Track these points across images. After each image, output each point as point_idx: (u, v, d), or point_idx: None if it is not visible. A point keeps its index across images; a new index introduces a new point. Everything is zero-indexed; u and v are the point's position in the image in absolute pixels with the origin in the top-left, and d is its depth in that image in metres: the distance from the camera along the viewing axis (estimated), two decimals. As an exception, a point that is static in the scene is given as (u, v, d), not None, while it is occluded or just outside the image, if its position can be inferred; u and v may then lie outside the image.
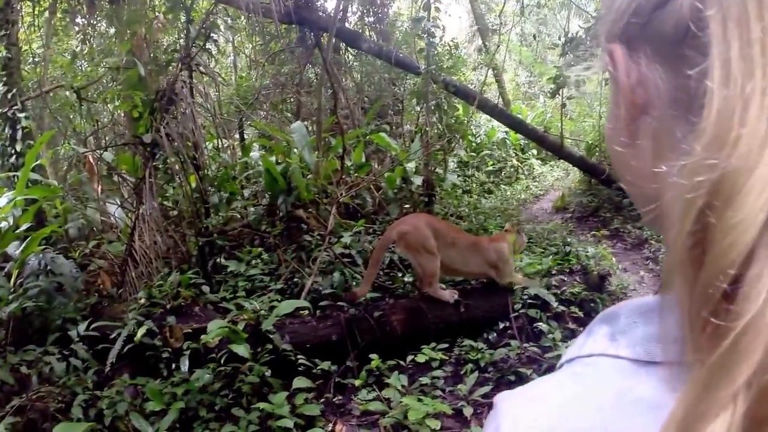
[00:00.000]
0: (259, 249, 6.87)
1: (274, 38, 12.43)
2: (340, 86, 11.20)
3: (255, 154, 9.40)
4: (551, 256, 6.30)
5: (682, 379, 0.43)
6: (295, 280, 6.04)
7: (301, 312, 5.32)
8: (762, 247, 0.39)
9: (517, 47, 17.28)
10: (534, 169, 14.33)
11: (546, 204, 11.68)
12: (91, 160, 7.89)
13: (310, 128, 10.95)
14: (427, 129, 8.05)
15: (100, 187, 7.66)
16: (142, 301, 5.21)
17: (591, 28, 8.96)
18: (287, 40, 12.04)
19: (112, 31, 8.70)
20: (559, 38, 10.45)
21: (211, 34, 6.89)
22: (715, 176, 0.40)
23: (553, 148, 10.42)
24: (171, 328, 4.95)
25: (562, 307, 5.34)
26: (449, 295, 5.33)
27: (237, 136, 11.84)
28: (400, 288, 5.97)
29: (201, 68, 6.98)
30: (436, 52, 8.95)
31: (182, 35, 7.17)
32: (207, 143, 10.07)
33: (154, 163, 6.44)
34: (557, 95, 9.59)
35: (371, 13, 11.76)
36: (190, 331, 4.89)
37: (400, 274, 6.25)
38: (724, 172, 0.40)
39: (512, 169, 13.68)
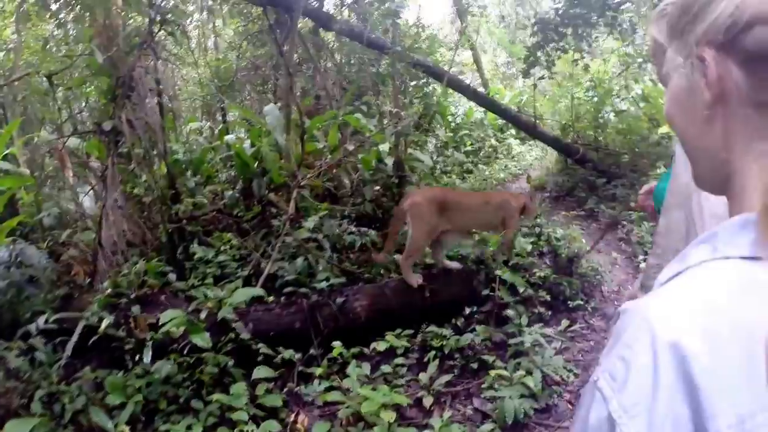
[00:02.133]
0: (229, 234, 6.74)
1: (252, 20, 12.25)
2: (317, 67, 11.07)
3: (231, 136, 9.24)
4: (522, 238, 6.21)
5: None
6: (262, 266, 5.93)
7: (266, 299, 5.23)
8: None
9: (494, 28, 17.12)
10: (512, 148, 14.22)
11: (524, 183, 11.59)
12: (60, 148, 7.79)
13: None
14: (396, 110, 7.88)
15: (72, 175, 7.53)
16: (108, 291, 5.09)
17: (560, 10, 8.84)
18: (265, 21, 11.83)
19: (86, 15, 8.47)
20: (529, 19, 10.39)
21: (169, 17, 6.65)
22: None
23: (527, 128, 10.35)
24: (136, 319, 4.85)
25: (530, 291, 5.26)
26: (415, 279, 5.26)
27: (220, 118, 11.74)
28: (368, 273, 5.87)
29: (164, 52, 6.83)
30: (404, 32, 8.80)
31: (145, 19, 6.96)
32: (186, 126, 9.95)
33: (117, 151, 6.31)
34: (529, 75, 9.49)
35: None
36: (155, 321, 4.74)
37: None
38: None
39: (490, 149, 13.56)
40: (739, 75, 0.71)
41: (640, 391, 0.63)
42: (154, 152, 6.65)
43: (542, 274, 5.45)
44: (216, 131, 10.20)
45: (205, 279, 5.76)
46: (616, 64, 11.00)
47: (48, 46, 10.08)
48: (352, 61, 11.81)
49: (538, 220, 6.64)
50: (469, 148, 13.11)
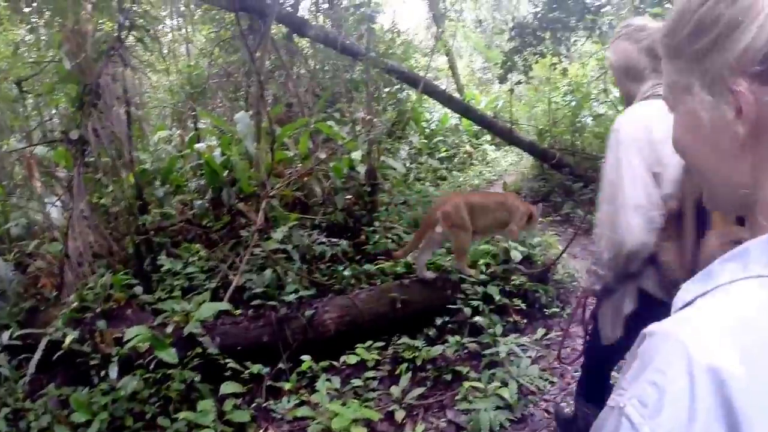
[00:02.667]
0: (197, 245, 6.59)
1: (225, 26, 12.10)
2: (290, 74, 10.95)
3: (202, 145, 9.08)
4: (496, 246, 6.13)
5: None
6: (230, 278, 5.78)
7: (234, 312, 5.10)
8: None
9: (470, 33, 17.08)
10: (487, 154, 14.17)
11: (499, 189, 11.54)
12: (29, 157, 7.62)
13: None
14: (369, 117, 7.78)
15: (40, 185, 7.35)
16: (75, 304, 4.93)
17: (538, 14, 8.80)
18: (238, 27, 11.67)
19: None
20: (506, 23, 10.31)
21: (140, 22, 6.50)
22: None
23: (503, 134, 10.29)
24: (101, 333, 4.71)
25: (504, 300, 5.17)
26: (474, 271, 5.38)
27: (192, 126, 11.56)
28: (338, 284, 5.74)
29: (134, 59, 6.66)
30: (379, 38, 8.71)
31: (115, 24, 6.79)
32: (155, 134, 9.78)
33: (84, 160, 6.15)
34: (506, 80, 9.42)
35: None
36: (120, 335, 4.60)
37: (341, 268, 6.03)
38: None
39: (465, 155, 13.50)
40: None
41: (676, 418, 0.59)
42: (121, 162, 6.46)
43: (517, 282, 5.35)
44: (186, 139, 10.03)
45: (172, 291, 5.61)
46: (595, 68, 10.95)
47: (19, 51, 9.86)
48: (326, 68, 11.72)
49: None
50: (443, 154, 13.05)
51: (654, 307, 2.22)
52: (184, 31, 14.10)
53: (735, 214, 0.79)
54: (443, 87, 16.19)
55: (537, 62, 9.23)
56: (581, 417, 3.01)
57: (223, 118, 10.09)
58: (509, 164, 13.60)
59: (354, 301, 5.04)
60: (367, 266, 6.08)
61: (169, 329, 4.60)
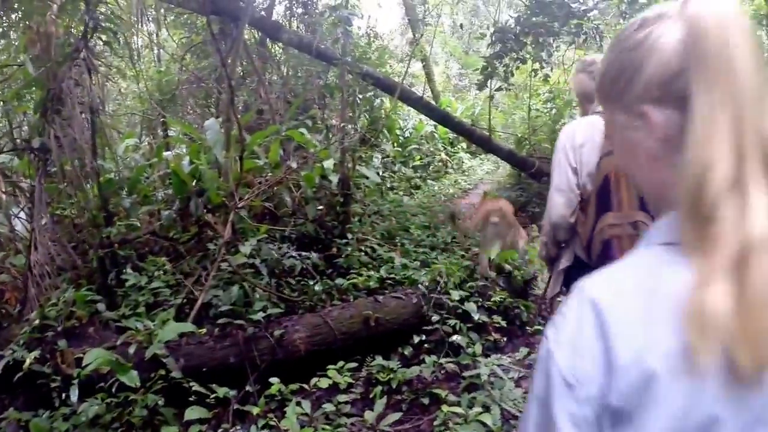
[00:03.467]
0: (163, 258, 6.30)
1: (196, 31, 11.79)
2: (261, 80, 10.67)
3: (170, 153, 8.78)
4: (472, 259, 5.92)
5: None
6: (196, 294, 5.50)
7: (199, 331, 4.81)
8: (724, 200, 0.75)
9: (448, 39, 16.88)
10: (463, 162, 14.01)
11: (475, 199, 11.34)
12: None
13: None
14: (342, 124, 7.54)
15: (5, 195, 7.05)
16: (36, 322, 4.68)
17: (521, 19, 8.63)
18: (209, 32, 11.38)
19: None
20: (487, 28, 10.09)
21: (106, 24, 6.19)
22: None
23: (481, 142, 10.09)
24: (62, 353, 4.44)
25: (483, 317, 4.94)
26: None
27: (161, 134, 11.25)
28: (309, 301, 5.48)
29: (101, 63, 6.36)
30: (353, 42, 8.48)
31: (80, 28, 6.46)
32: (123, 142, 9.44)
33: (46, 170, 5.85)
34: (485, 87, 9.22)
35: (299, 3, 11.12)
36: (82, 355, 4.32)
37: (312, 282, 5.78)
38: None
39: (440, 164, 13.31)
40: (674, 114, 0.87)
41: (570, 331, 0.84)
42: (83, 172, 6.17)
43: (497, 299, 5.13)
44: (154, 147, 9.71)
45: (136, 308, 5.34)
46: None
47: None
48: (300, 74, 11.45)
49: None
50: (417, 162, 12.86)
51: (584, 267, 2.74)
52: (155, 35, 13.79)
53: (658, 206, 0.96)
54: (419, 94, 16.08)
55: (518, 68, 9.05)
56: None
57: (193, 126, 9.77)
58: (485, 173, 13.46)
59: (325, 319, 4.78)
60: (339, 281, 5.84)
61: (132, 349, 4.35)
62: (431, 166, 13.09)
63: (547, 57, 8.83)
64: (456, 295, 5.00)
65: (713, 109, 0.79)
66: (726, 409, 0.75)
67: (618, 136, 0.99)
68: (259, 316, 4.78)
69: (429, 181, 12.07)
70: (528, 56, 8.72)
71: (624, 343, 0.79)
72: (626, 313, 0.81)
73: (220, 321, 4.87)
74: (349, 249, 6.46)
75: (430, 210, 9.34)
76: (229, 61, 11.14)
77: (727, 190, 0.76)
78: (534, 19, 8.33)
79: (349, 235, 6.71)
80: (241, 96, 11.88)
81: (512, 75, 9.01)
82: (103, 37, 6.58)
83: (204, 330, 4.85)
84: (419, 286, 5.18)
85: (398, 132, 13.43)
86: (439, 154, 13.58)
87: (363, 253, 6.39)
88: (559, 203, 2.96)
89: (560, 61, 10.10)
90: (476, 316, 4.85)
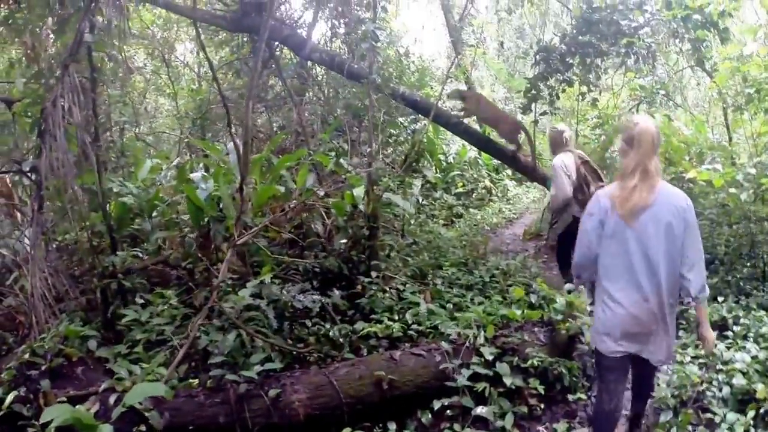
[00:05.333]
0: (170, 291, 5.71)
1: (230, 48, 11.38)
2: (293, 100, 10.16)
3: (197, 174, 8.28)
4: (512, 306, 5.15)
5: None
6: (199, 334, 4.87)
7: (191, 381, 4.27)
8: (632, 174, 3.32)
9: (492, 61, 16.12)
10: (508, 190, 13.21)
11: (519, 229, 10.57)
12: (8, 183, 6.96)
13: (255, 147, 9.88)
14: (369, 149, 6.86)
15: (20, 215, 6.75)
16: (26, 356, 4.30)
17: (567, 37, 7.89)
18: (244, 50, 11.05)
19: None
20: (531, 47, 9.34)
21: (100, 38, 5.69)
22: None
23: (525, 170, 9.28)
24: (45, 394, 4.04)
25: (518, 381, 4.15)
26: None
27: (193, 155, 10.84)
28: (318, 352, 4.78)
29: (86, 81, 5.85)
30: (389, 61, 7.87)
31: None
32: (145, 163, 8.99)
33: (40, 193, 5.32)
34: (529, 111, 8.47)
35: (341, 23, 10.54)
36: (65, 399, 3.98)
37: (328, 326, 5.09)
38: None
39: (484, 191, 12.52)
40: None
41: (590, 206, 3.43)
42: (82, 195, 5.71)
43: (535, 360, 4.31)
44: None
45: (135, 346, 4.82)
46: (626, 99, 9.97)
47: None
48: (343, 95, 10.89)
49: (532, 282, 5.63)
50: (460, 189, 12.12)
51: (577, 221, 4.57)
52: (195, 53, 13.47)
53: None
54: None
55: (564, 91, 8.29)
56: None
57: (217, 147, 9.26)
58: (531, 201, 12.62)
59: (330, 379, 4.06)
60: (359, 325, 5.16)
61: (112, 399, 3.91)
62: (474, 194, 12.33)
63: (595, 79, 8.06)
64: (487, 352, 4.23)
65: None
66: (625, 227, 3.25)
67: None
68: (256, 370, 4.12)
69: (471, 210, 11.31)
70: (575, 78, 7.96)
71: (604, 204, 3.30)
72: (604, 197, 3.32)
73: (214, 372, 4.24)
74: (374, 288, 5.76)
75: (470, 242, 8.58)
76: (262, 80, 10.78)
77: (632, 172, 3.26)
78: (581, 38, 7.59)
79: (374, 273, 6.00)
80: (276, 117, 11.45)
81: (558, 98, 8.24)
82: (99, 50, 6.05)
83: (196, 381, 4.30)
84: (443, 343, 4.41)
85: (441, 157, 12.72)
86: (483, 181, 12.81)
87: (388, 295, 5.68)
88: (567, 188, 6.08)
89: (609, 84, 9.26)
90: (509, 381, 4.07)
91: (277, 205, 7.37)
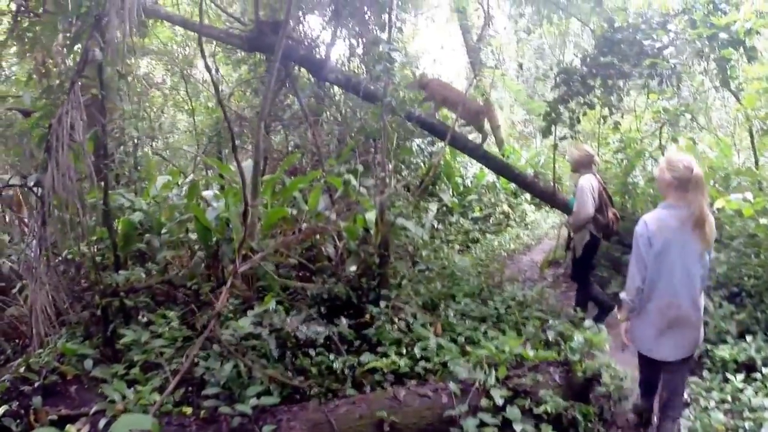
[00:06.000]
0: (172, 312, 5.50)
1: (248, 66, 11.27)
2: (308, 120, 9.99)
3: (210, 192, 8.13)
4: (525, 343, 4.86)
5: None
6: (197, 360, 4.66)
7: (185, 409, 4.08)
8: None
9: (511, 82, 15.85)
10: (526, 215, 12.91)
11: (537, 255, 10.27)
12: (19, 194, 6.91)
13: (270, 167, 9.74)
14: (383, 174, 6.64)
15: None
16: (21, 370, 4.45)
17: (588, 59, 7.66)
18: (261, 69, 10.96)
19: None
20: (551, 69, 9.08)
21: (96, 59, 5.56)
22: None
23: (544, 196, 9.02)
24: (36, 411, 4.07)
25: (528, 428, 3.86)
26: None
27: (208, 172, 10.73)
28: (319, 385, 4.54)
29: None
30: (398, 82, 7.67)
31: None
32: (157, 179, 8.87)
33: (44, 208, 5.16)
34: (549, 134, 8.21)
35: (359, 43, 10.37)
36: (56, 417, 4.00)
37: (332, 358, 4.84)
38: None
39: (502, 216, 12.23)
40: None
41: (639, 229, 4.00)
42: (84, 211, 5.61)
43: (548, 405, 4.01)
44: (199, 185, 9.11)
45: (132, 367, 4.67)
46: (650, 122, 9.67)
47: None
48: (358, 115, 10.71)
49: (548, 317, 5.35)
50: (477, 214, 11.84)
51: (595, 239, 6.53)
52: (215, 71, 13.41)
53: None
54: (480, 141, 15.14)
55: (585, 114, 8.04)
56: (581, 294, 6.77)
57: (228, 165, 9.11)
58: (550, 227, 12.32)
59: (329, 418, 3.82)
60: (365, 357, 4.92)
61: (102, 423, 3.82)
62: (492, 218, 12.05)
63: (617, 102, 7.79)
64: (498, 395, 3.96)
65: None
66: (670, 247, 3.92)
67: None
68: (252, 403, 3.89)
69: (488, 235, 11.04)
70: (596, 100, 7.71)
71: (650, 227, 3.90)
72: (650, 221, 3.93)
73: (207, 403, 4.02)
74: (383, 319, 5.52)
75: (486, 270, 8.31)
76: (278, 99, 10.65)
77: (691, 211, 3.87)
78: (602, 59, 7.34)
79: (382, 304, 5.76)
80: (291, 137, 11.30)
81: (578, 121, 7.97)
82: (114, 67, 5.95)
83: (190, 409, 4.11)
84: (451, 383, 4.13)
85: (458, 180, 12.47)
86: (501, 206, 12.53)
87: (396, 326, 5.43)
88: (590, 207, 6.30)
89: (631, 107, 8.94)
90: (520, 428, 3.79)
91: (287, 227, 7.19)
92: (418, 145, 11.41)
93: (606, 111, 7.84)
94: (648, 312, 4.00)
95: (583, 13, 7.96)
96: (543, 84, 13.26)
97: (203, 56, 5.38)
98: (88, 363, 4.62)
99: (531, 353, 4.51)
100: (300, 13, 9.34)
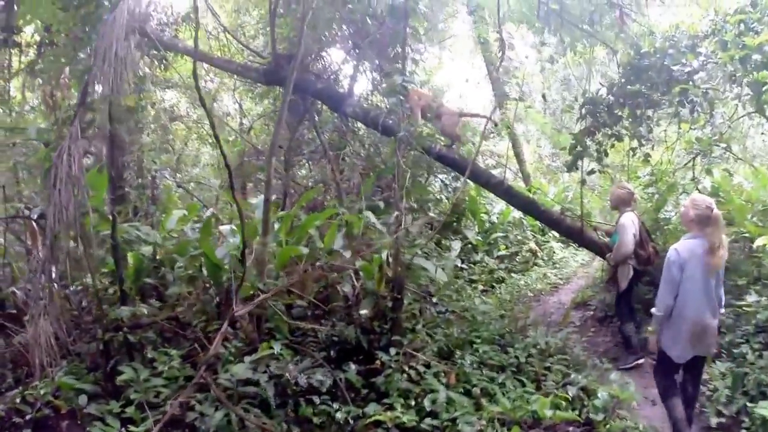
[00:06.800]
0: (174, 351, 5.26)
1: (269, 99, 11.17)
2: (328, 155, 9.79)
3: (227, 227, 7.85)
4: (547, 398, 4.46)
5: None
6: (193, 403, 4.37)
7: None
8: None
9: (538, 115, 15.44)
10: (554, 253, 12.44)
11: (565, 296, 9.81)
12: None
13: (289, 202, 9.50)
14: (397, 213, 6.28)
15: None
16: (17, 401, 4.44)
17: (614, 87, 7.30)
18: (278, 103, 10.81)
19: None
20: (576, 99, 8.71)
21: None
22: None
23: (571, 233, 8.61)
24: None
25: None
26: None
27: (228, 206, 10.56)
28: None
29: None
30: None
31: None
32: (172, 214, 8.71)
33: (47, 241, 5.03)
34: (575, 169, 7.83)
35: (382, 78, 10.16)
36: None
37: (335, 407, 4.49)
38: None
39: (529, 254, 11.77)
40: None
41: (670, 257, 4.58)
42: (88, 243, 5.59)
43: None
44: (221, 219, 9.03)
45: (129, 405, 4.50)
46: (682, 153, 9.20)
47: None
48: (381, 150, 10.48)
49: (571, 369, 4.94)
50: (503, 252, 11.41)
51: (638, 273, 6.88)
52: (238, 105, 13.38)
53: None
54: (508, 175, 14.78)
55: (613, 146, 7.65)
56: (625, 329, 6.84)
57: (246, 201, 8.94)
58: (580, 265, 11.85)
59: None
60: (371, 407, 4.58)
61: None
62: (518, 256, 11.60)
63: (647, 132, 7.39)
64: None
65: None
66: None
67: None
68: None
69: (514, 274, 10.62)
70: (624, 132, 7.33)
71: (681, 255, 4.48)
72: (682, 248, 4.53)
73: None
74: (393, 367, 5.17)
75: (509, 313, 7.90)
76: (299, 133, 10.47)
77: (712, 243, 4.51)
78: (629, 87, 6.98)
79: (392, 350, 5.42)
80: (313, 172, 11.13)
81: (606, 155, 7.58)
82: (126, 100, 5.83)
83: None
84: None
85: (484, 217, 12.08)
86: (528, 243, 12.09)
87: (406, 375, 5.07)
88: (630, 244, 6.63)
89: (662, 137, 8.48)
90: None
91: (299, 266, 6.92)
92: (442, 181, 11.13)
93: (635, 142, 7.46)
94: (678, 326, 4.62)
95: (608, 40, 7.57)
96: (570, 116, 12.87)
97: (197, 86, 5.19)
98: (83, 398, 4.55)
99: (549, 412, 4.09)
100: (316, 48, 9.16)
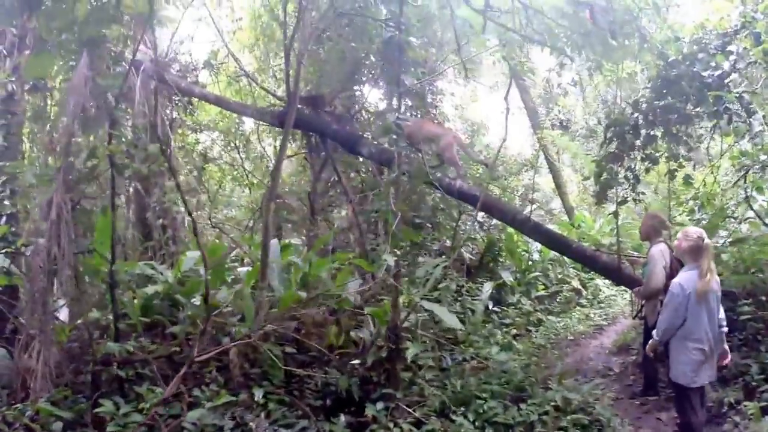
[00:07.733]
0: (159, 389, 5.17)
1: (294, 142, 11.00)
2: (348, 197, 9.47)
3: (244, 269, 7.95)
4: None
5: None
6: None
7: None
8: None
9: (571, 144, 14.62)
10: (600, 291, 11.61)
11: (608, 339, 9.03)
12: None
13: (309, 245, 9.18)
14: (390, 253, 5.74)
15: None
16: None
17: (641, 103, 6.66)
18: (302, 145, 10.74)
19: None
20: (599, 122, 8.06)
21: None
22: None
23: (608, 271, 7.88)
24: None
25: None
26: None
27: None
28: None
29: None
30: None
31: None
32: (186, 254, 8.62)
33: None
34: (605, 200, 7.18)
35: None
36: None
37: None
38: None
39: (571, 293, 10.98)
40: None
41: (673, 290, 4.74)
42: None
43: None
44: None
45: None
46: (729, 170, 8.33)
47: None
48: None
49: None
50: (542, 292, 10.67)
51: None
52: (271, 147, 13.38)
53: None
54: (551, 209, 14.08)
55: (648, 171, 6.96)
56: (648, 368, 6.72)
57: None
58: (627, 303, 10.99)
59: None
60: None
61: None
62: (559, 297, 10.84)
63: (686, 152, 6.68)
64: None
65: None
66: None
67: None
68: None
69: (551, 317, 9.89)
70: (659, 153, 6.67)
71: (686, 289, 4.60)
72: (686, 282, 4.65)
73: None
74: (382, 422, 4.66)
75: (536, 360, 7.24)
76: (323, 175, 10.23)
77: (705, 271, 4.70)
78: (658, 102, 6.34)
79: (380, 404, 4.92)
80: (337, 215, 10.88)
81: (638, 181, 6.88)
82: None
83: None
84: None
85: (523, 255, 11.39)
86: (570, 282, 11.31)
87: (394, 435, 4.55)
88: (660, 277, 6.09)
89: (705, 156, 7.68)
90: None
91: (299, 308, 6.63)
92: (477, 221, 10.58)
93: (673, 164, 6.75)
94: (688, 352, 4.79)
95: (631, 53, 6.87)
96: (593, 140, 12.12)
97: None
98: (58, 425, 4.60)
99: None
100: (327, 89, 9.05)
